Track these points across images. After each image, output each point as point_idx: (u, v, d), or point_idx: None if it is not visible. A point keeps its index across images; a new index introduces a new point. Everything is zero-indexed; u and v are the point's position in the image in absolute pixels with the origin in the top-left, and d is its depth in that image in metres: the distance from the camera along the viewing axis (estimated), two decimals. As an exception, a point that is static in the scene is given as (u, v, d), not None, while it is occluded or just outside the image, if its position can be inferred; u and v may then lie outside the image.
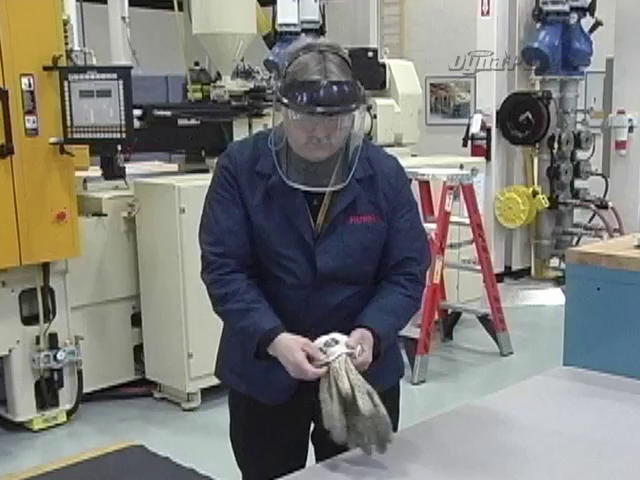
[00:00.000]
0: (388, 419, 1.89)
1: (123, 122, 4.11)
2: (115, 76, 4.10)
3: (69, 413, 4.53)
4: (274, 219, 2.05)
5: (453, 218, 5.30)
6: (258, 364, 2.03)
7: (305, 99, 1.90)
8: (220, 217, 2.07)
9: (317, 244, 2.04)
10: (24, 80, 4.03)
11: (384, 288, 2.12)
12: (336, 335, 1.97)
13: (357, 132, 2.04)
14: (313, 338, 1.96)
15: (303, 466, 2.18)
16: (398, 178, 2.13)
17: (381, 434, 1.90)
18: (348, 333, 2.00)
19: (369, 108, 6.27)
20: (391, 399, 2.28)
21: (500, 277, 6.87)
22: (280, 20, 6.74)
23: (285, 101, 1.93)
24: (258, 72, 5.31)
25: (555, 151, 7.17)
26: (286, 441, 2.21)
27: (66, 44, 4.39)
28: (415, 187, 5.54)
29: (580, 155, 7.31)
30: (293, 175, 2.00)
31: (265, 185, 2.04)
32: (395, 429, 2.25)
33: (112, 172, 4.98)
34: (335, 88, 1.90)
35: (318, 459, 2.19)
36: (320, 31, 7.22)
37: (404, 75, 6.54)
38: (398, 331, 2.18)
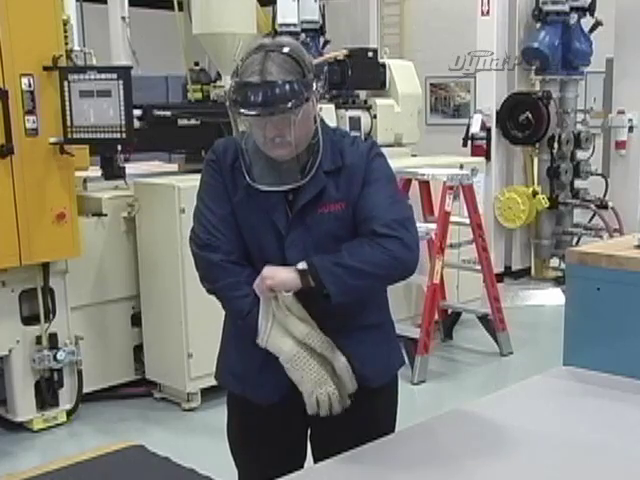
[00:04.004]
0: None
1: (123, 122, 4.11)
2: (115, 76, 4.10)
3: (69, 413, 4.53)
4: (254, 215, 2.07)
5: (453, 218, 5.29)
6: (251, 364, 2.04)
7: (242, 100, 1.92)
8: (212, 207, 2.09)
9: (286, 237, 2.05)
10: (24, 80, 4.03)
11: None
12: None
13: (320, 126, 2.05)
14: None
15: (302, 467, 2.18)
16: (368, 155, 2.08)
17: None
18: (330, 324, 2.02)
19: (363, 103, 6.30)
20: (386, 397, 2.26)
21: (500, 277, 6.87)
22: (280, 20, 6.73)
23: (227, 103, 1.96)
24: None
25: (555, 151, 7.17)
26: (283, 442, 2.21)
27: (66, 44, 4.38)
28: (415, 187, 5.55)
29: (580, 155, 7.30)
30: (263, 175, 2.03)
31: (244, 183, 2.06)
32: (393, 429, 2.25)
33: (112, 172, 4.98)
34: (269, 88, 1.90)
35: (316, 460, 2.19)
36: (320, 31, 7.22)
37: (404, 75, 6.54)
38: (356, 271, 1.96)
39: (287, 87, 1.91)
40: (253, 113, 1.91)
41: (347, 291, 1.99)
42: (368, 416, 2.16)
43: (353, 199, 2.05)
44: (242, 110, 1.92)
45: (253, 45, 1.98)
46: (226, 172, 2.10)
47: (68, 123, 4.12)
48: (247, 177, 2.03)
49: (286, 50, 1.95)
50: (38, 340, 4.36)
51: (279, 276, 1.98)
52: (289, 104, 1.90)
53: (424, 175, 5.40)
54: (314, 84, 1.97)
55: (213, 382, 2.33)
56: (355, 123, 6.04)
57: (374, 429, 2.11)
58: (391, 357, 2.27)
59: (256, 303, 2.02)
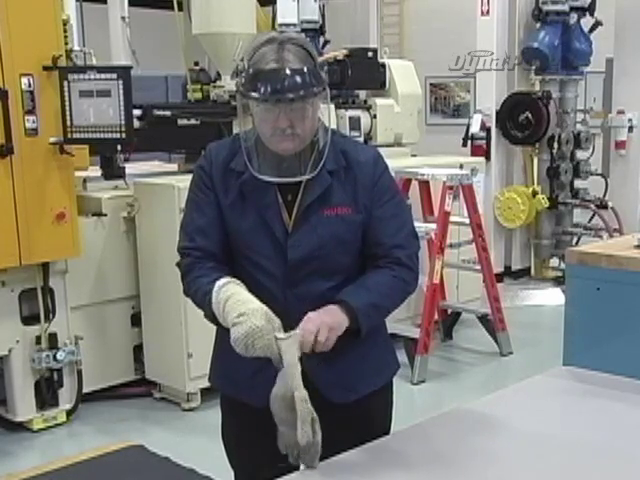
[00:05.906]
0: (319, 448, 1.87)
1: (123, 122, 4.11)
2: (115, 76, 4.10)
3: (69, 413, 4.53)
4: (248, 217, 2.05)
5: (453, 218, 5.29)
6: (245, 367, 2.03)
7: (260, 88, 1.90)
8: (194, 216, 2.11)
9: (289, 237, 2.04)
10: (24, 80, 4.03)
11: (369, 271, 2.09)
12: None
13: (325, 123, 2.05)
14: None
15: (297, 469, 2.17)
16: (376, 167, 2.10)
17: (306, 459, 1.90)
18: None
19: (361, 100, 6.30)
20: (381, 398, 2.25)
21: (500, 277, 6.87)
22: (280, 20, 6.73)
23: (242, 91, 1.95)
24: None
25: (555, 151, 7.17)
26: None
27: (66, 44, 4.38)
28: (415, 187, 5.55)
29: (580, 155, 7.31)
30: (264, 169, 2.01)
31: (238, 182, 2.05)
32: (388, 430, 2.24)
33: (112, 172, 4.98)
34: (289, 76, 1.89)
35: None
36: (320, 31, 7.21)
37: (404, 75, 6.54)
38: (382, 310, 2.09)
39: (306, 75, 1.91)
40: (275, 98, 1.89)
41: (371, 327, 2.04)
42: (363, 417, 2.16)
43: (361, 208, 2.06)
44: (258, 96, 1.90)
45: (261, 39, 1.98)
46: (217, 176, 2.08)
47: (68, 123, 4.12)
48: (250, 167, 2.01)
49: (298, 42, 1.97)
50: (38, 340, 4.35)
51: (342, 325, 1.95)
52: (310, 91, 1.91)
53: (424, 175, 5.40)
54: (325, 78, 1.98)
55: (212, 382, 2.33)
56: (355, 123, 6.04)
57: (369, 430, 2.10)
58: (388, 360, 2.27)
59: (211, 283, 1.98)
